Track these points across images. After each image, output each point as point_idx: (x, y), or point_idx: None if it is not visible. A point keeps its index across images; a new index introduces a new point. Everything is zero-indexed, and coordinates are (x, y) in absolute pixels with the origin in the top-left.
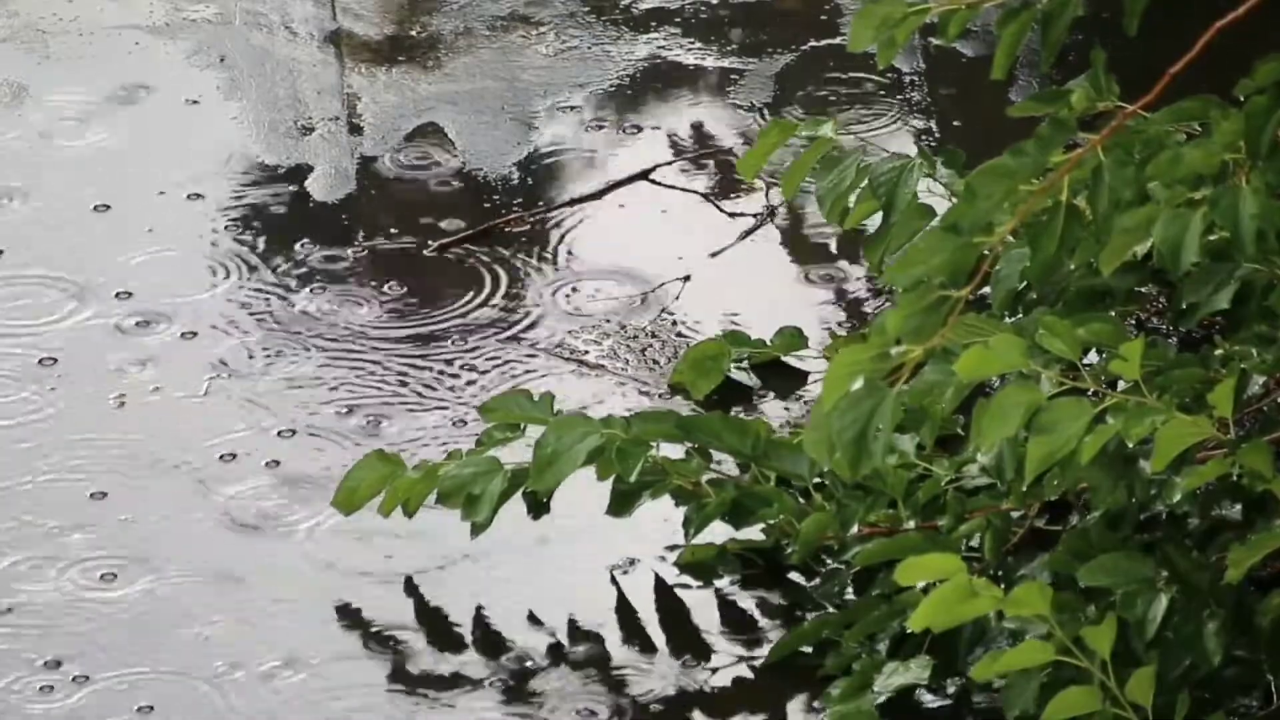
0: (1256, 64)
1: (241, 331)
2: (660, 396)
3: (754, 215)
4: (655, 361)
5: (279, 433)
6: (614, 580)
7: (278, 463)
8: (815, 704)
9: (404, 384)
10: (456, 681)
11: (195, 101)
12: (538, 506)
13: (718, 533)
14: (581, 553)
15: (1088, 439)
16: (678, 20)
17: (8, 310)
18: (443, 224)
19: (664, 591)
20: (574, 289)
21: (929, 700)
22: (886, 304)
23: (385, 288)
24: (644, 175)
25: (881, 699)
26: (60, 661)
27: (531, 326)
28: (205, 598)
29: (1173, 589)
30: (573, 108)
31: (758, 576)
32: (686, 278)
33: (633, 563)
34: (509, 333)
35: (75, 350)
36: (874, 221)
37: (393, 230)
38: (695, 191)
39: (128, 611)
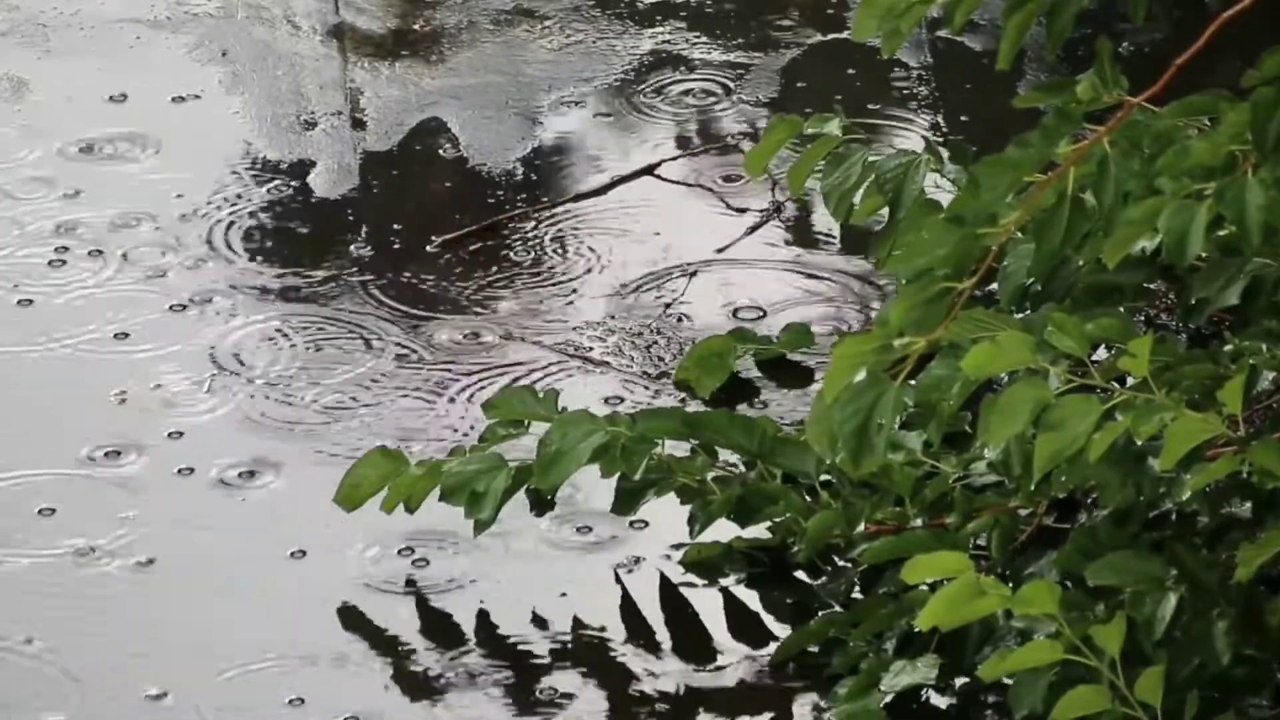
0: (1264, 55)
1: (244, 328)
2: (666, 394)
3: (760, 211)
4: (660, 358)
5: (277, 433)
6: (618, 579)
7: (279, 463)
8: (822, 703)
9: (405, 381)
10: (459, 681)
11: (197, 96)
12: (541, 504)
13: (723, 531)
14: (585, 551)
15: (1096, 436)
16: (683, 14)
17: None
18: (446, 220)
19: (669, 590)
20: (578, 285)
21: (936, 699)
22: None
23: (388, 284)
24: (649, 170)
25: (889, 698)
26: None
27: (535, 323)
28: (206, 596)
29: (1182, 588)
30: (577, 102)
31: (764, 575)
32: (692, 274)
33: (637, 561)
34: (513, 329)
35: (73, 346)
36: (882, 217)
37: (396, 226)
38: (701, 187)
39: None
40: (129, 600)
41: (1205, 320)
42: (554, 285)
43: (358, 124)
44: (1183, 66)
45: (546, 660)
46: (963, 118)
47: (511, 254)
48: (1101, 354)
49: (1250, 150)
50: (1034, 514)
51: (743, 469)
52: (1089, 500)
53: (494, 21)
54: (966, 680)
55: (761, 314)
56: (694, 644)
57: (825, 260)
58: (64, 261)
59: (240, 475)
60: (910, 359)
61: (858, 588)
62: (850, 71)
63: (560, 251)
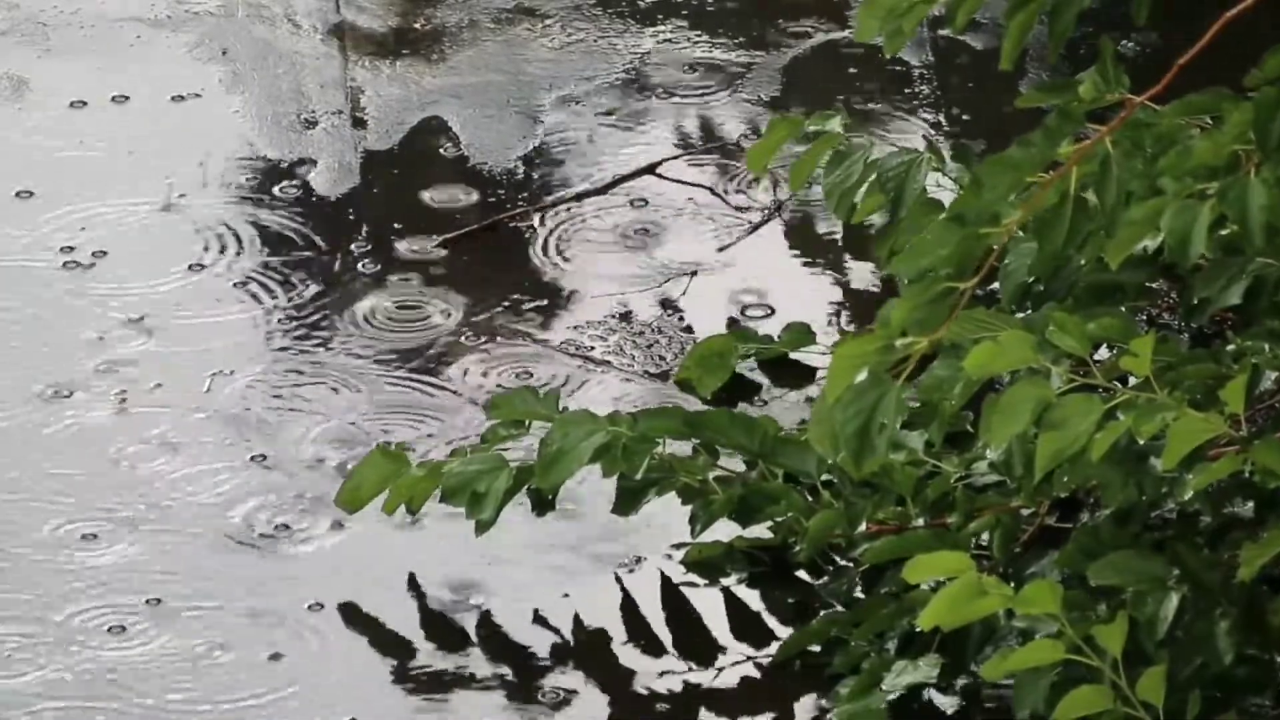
0: (1266, 55)
1: (244, 326)
2: (667, 393)
3: (761, 210)
4: (661, 358)
5: (277, 434)
6: (619, 579)
7: (278, 465)
8: (823, 703)
9: (406, 379)
10: (460, 681)
11: (198, 95)
12: (542, 504)
13: (724, 530)
14: (586, 551)
15: (1098, 435)
16: (684, 13)
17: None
18: (447, 219)
19: (670, 590)
20: (579, 284)
21: (938, 699)
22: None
23: (389, 283)
24: (650, 169)
25: (890, 698)
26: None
27: (537, 322)
28: (208, 597)
29: (1184, 587)
30: (578, 101)
31: (765, 575)
32: (693, 273)
33: (638, 560)
34: (514, 328)
35: (75, 345)
36: (883, 216)
37: (396, 225)
38: (702, 185)
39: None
40: None
41: (1207, 320)
42: (555, 284)
43: (358, 123)
44: (1185, 66)
45: (547, 660)
46: (965, 117)
47: (512, 252)
48: (1103, 353)
49: (1253, 150)
50: (1036, 514)
51: (744, 469)
52: (1091, 500)
53: (495, 20)
54: (968, 680)
55: (763, 313)
56: (695, 644)
57: (826, 259)
58: (78, 263)
59: (241, 466)
60: (912, 359)
61: (859, 587)
62: (852, 70)
63: (561, 250)
